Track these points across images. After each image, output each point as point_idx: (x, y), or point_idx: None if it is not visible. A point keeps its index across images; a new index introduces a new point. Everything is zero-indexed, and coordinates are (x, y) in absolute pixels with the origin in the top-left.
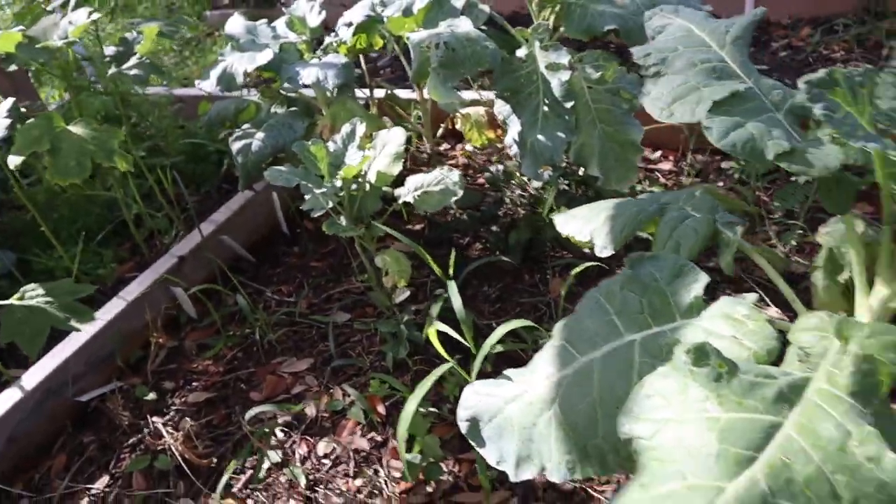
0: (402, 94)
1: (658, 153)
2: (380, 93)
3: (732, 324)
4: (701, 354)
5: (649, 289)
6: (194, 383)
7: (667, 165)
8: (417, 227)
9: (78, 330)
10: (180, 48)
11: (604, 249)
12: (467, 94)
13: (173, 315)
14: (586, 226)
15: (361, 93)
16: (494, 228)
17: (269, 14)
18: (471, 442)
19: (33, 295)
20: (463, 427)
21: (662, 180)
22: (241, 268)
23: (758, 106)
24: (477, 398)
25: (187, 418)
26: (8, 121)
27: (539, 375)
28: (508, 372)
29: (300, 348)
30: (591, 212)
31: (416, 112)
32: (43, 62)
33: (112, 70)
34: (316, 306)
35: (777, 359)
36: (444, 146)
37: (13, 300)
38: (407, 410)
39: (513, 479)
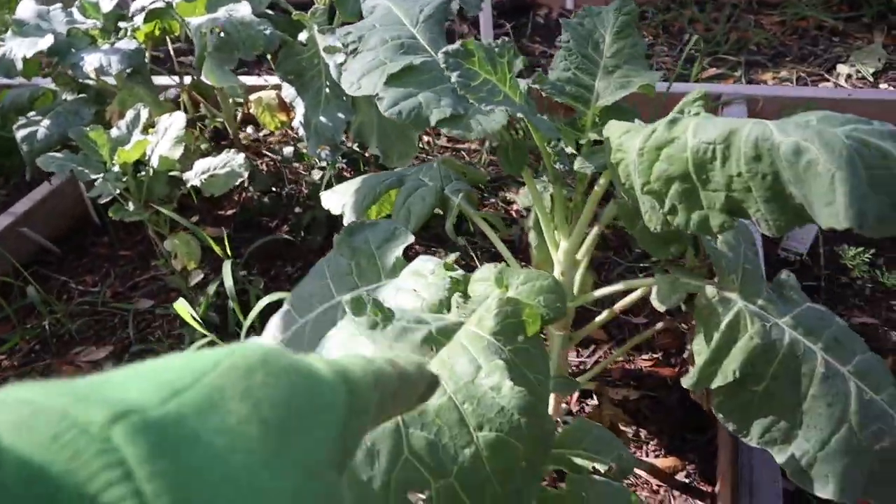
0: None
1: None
2: (188, 80)
3: (418, 279)
4: (359, 305)
5: (359, 252)
6: None
7: (475, 145)
8: (229, 212)
9: None
10: None
11: (348, 220)
12: (252, 80)
13: None
14: (341, 199)
15: (171, 79)
16: (297, 210)
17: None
18: None
19: None
20: None
21: (468, 159)
22: (45, 260)
23: (436, 77)
24: None
25: None
26: None
27: (267, 338)
28: (252, 338)
29: (101, 337)
30: (348, 187)
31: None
32: None
33: None
34: (121, 294)
35: (447, 309)
36: (256, 134)
37: None
38: None
39: None
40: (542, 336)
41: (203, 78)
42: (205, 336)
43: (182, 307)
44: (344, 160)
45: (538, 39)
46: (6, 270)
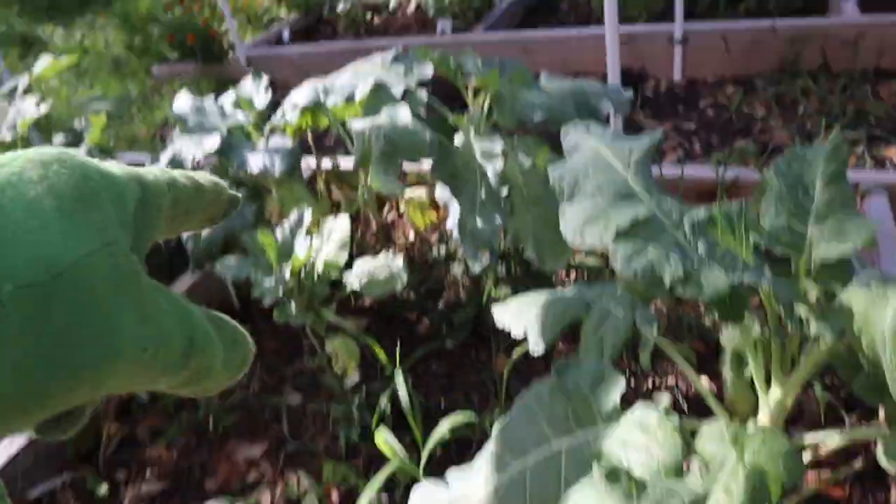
0: (347, 162)
1: None
2: (328, 164)
3: (646, 434)
4: (614, 475)
5: (573, 396)
6: (148, 472)
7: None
8: (367, 303)
9: None
10: (128, 104)
11: (535, 347)
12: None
13: (124, 399)
14: (519, 320)
15: (308, 164)
16: (440, 306)
17: (218, 70)
18: None
19: None
20: None
21: (598, 251)
22: None
23: (658, 228)
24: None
25: None
26: None
27: (478, 481)
28: (451, 475)
29: (254, 432)
30: (523, 305)
31: (361, 185)
32: None
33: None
34: (269, 387)
35: (682, 470)
36: (392, 216)
37: None
38: None
39: None
40: None
41: (368, 182)
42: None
43: (382, 438)
44: (503, 264)
45: (648, 112)
46: None
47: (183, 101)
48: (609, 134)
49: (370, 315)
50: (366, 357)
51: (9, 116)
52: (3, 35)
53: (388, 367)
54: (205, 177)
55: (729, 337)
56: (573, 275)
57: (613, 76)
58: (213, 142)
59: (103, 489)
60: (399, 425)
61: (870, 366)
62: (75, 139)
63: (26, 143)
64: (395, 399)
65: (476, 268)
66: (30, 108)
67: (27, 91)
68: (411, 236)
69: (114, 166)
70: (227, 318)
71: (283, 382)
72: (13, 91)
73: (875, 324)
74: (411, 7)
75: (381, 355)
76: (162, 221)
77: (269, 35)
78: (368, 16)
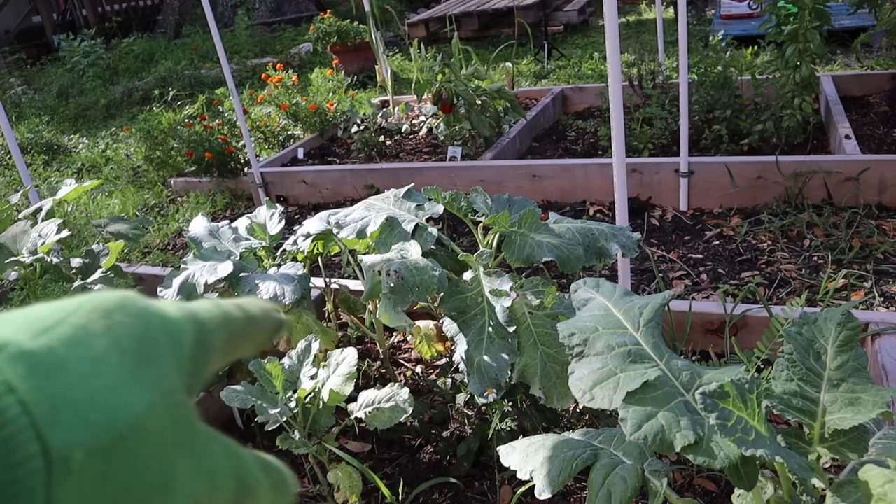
0: (356, 284)
1: None
2: (336, 287)
3: None
4: None
5: None
6: None
7: None
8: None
9: None
10: (143, 213)
11: (542, 493)
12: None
13: None
14: (526, 464)
15: (318, 284)
16: (445, 434)
17: (233, 184)
18: None
19: None
20: None
21: None
22: None
23: (668, 393)
24: None
25: None
26: None
27: None
28: None
29: None
30: (530, 447)
31: (369, 313)
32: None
33: (77, 283)
34: None
35: None
36: (396, 353)
37: None
38: None
39: None
40: None
41: (377, 315)
42: None
43: None
44: (509, 404)
45: (654, 242)
46: None
47: (198, 224)
48: (619, 292)
49: (373, 440)
50: (367, 485)
51: (31, 238)
52: (31, 142)
53: (392, 500)
54: (254, 304)
55: (739, 496)
56: (580, 407)
57: (621, 214)
58: (225, 268)
59: None
60: None
61: None
62: (93, 262)
63: (43, 266)
64: None
65: (482, 401)
66: (51, 233)
67: (50, 214)
68: (417, 368)
69: (171, 307)
70: (273, 461)
71: None
72: (37, 211)
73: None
74: (422, 132)
75: (385, 491)
76: (216, 357)
77: (284, 154)
78: (381, 138)
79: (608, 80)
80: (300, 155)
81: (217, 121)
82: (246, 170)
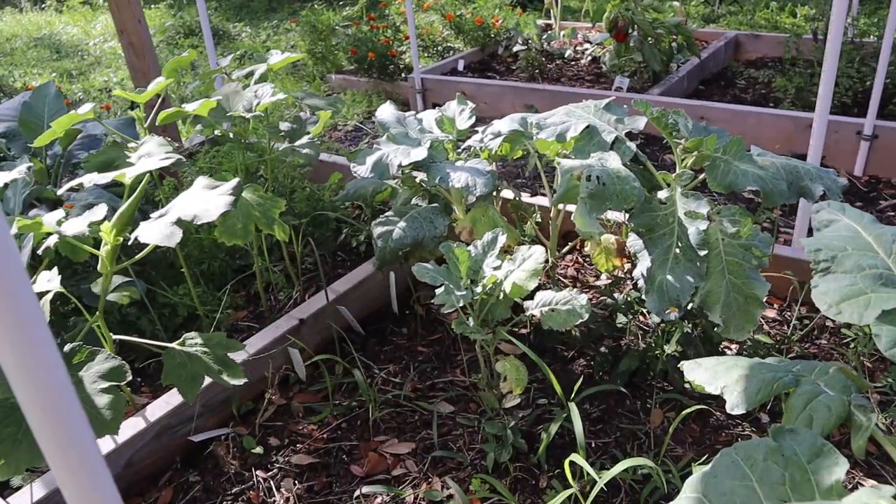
0: (527, 198)
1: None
2: (507, 192)
3: None
4: None
5: (791, 463)
6: (299, 445)
7: (771, 313)
8: (523, 330)
9: (229, 385)
10: (298, 108)
11: (735, 407)
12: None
13: (284, 375)
14: (716, 380)
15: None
16: (603, 349)
17: (390, 87)
18: None
19: (192, 343)
20: None
21: (766, 328)
22: (349, 339)
23: None
24: None
25: (290, 479)
26: (231, 198)
27: None
28: None
29: (403, 431)
30: (720, 366)
31: (534, 217)
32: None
33: (286, 145)
34: (420, 392)
35: None
36: (565, 263)
37: (175, 345)
38: None
39: None
40: None
41: (572, 219)
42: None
43: (567, 466)
44: (689, 325)
45: None
46: (323, 342)
47: (386, 111)
48: (867, 218)
49: (525, 342)
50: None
51: (245, 97)
52: (198, 25)
53: (545, 392)
54: None
55: None
56: (735, 348)
57: (814, 161)
58: (418, 153)
59: (257, 450)
60: (550, 455)
61: None
62: (300, 128)
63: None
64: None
65: (656, 319)
66: (266, 94)
67: (263, 79)
68: (593, 279)
69: None
70: None
71: (435, 389)
72: (249, 75)
73: None
74: (585, 60)
75: (557, 386)
76: None
77: (444, 63)
78: (543, 60)
79: (829, 19)
80: (460, 67)
81: (382, 23)
82: (405, 74)
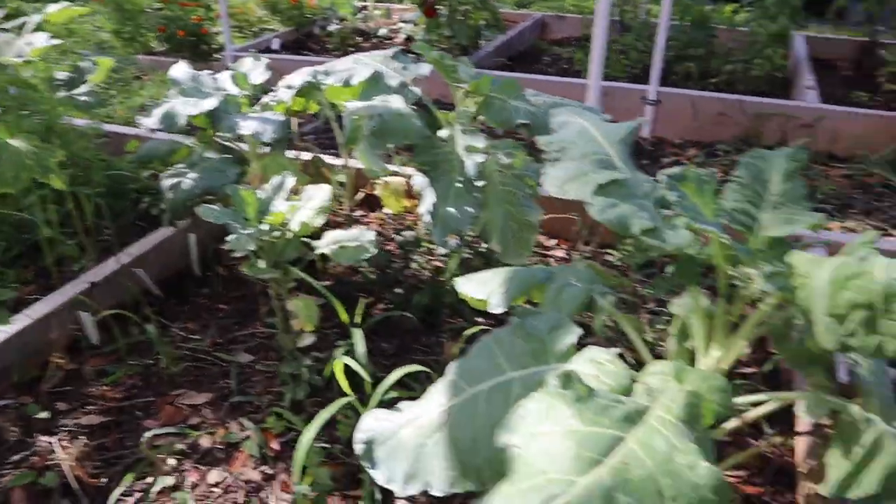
0: (327, 159)
1: (554, 241)
2: (306, 155)
3: (596, 366)
4: (568, 380)
5: (532, 336)
6: (89, 407)
7: (560, 253)
8: (327, 282)
9: None
10: (107, 86)
11: (497, 307)
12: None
13: (75, 339)
14: (483, 288)
15: (290, 153)
16: (398, 290)
17: (204, 68)
18: (363, 464)
19: None
20: (358, 449)
21: (554, 265)
22: (149, 302)
23: (631, 192)
24: (374, 423)
25: (80, 438)
26: None
27: (432, 404)
28: (403, 403)
29: (201, 383)
30: (488, 276)
31: (337, 178)
32: None
33: (62, 93)
34: (220, 346)
35: (629, 394)
36: (360, 213)
37: None
38: (304, 439)
39: (399, 494)
40: None
41: (350, 162)
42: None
43: (339, 364)
44: (469, 251)
45: None
46: (118, 306)
47: (180, 69)
48: (598, 118)
49: (329, 293)
50: (318, 327)
51: (15, 45)
52: None
53: (343, 334)
54: None
55: (679, 304)
56: None
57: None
58: (209, 103)
59: (43, 416)
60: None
61: (803, 318)
62: (79, 77)
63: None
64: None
65: (442, 250)
66: (40, 40)
67: (38, 29)
68: (382, 221)
69: None
70: None
71: (235, 343)
72: (22, 25)
73: (814, 278)
74: (400, 38)
75: (343, 314)
76: None
77: (258, 42)
78: (358, 39)
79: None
80: (275, 45)
81: (191, 1)
82: (218, 54)
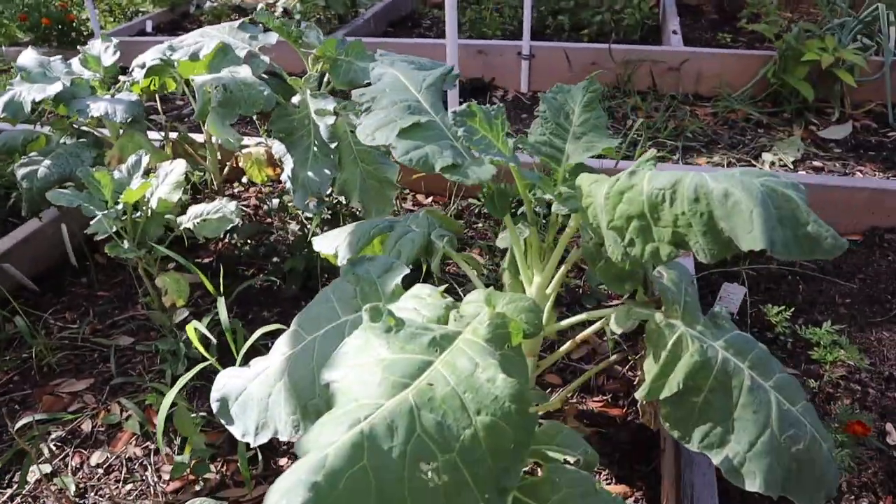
0: (198, 138)
1: (430, 198)
2: (175, 135)
3: (418, 301)
4: (376, 313)
5: (363, 280)
6: None
7: (436, 208)
8: (206, 259)
9: None
10: None
11: (343, 259)
12: (252, 140)
13: None
14: (334, 242)
15: (158, 134)
16: (275, 259)
17: (72, 55)
18: (221, 420)
19: None
20: (214, 407)
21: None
22: (23, 297)
23: (438, 134)
24: (226, 380)
25: None
26: None
27: (276, 354)
28: (254, 360)
29: (80, 370)
30: (340, 232)
31: (206, 158)
32: None
33: None
34: (100, 332)
35: (444, 324)
36: (229, 188)
37: None
38: (164, 403)
39: (252, 444)
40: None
41: (205, 129)
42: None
43: (192, 329)
44: (329, 212)
45: None
46: None
47: (28, 56)
48: (411, 66)
49: (208, 270)
50: (195, 303)
51: None
52: None
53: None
54: None
55: (502, 238)
56: None
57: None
58: (54, 88)
59: None
60: (224, 356)
61: (594, 235)
62: None
63: None
64: (220, 335)
65: (306, 214)
66: None
67: None
68: (247, 191)
69: None
70: None
71: (115, 327)
72: None
73: (596, 196)
74: (278, 11)
75: (208, 285)
76: None
77: (131, 24)
78: (234, 16)
79: None
80: (149, 28)
81: None
82: (89, 41)
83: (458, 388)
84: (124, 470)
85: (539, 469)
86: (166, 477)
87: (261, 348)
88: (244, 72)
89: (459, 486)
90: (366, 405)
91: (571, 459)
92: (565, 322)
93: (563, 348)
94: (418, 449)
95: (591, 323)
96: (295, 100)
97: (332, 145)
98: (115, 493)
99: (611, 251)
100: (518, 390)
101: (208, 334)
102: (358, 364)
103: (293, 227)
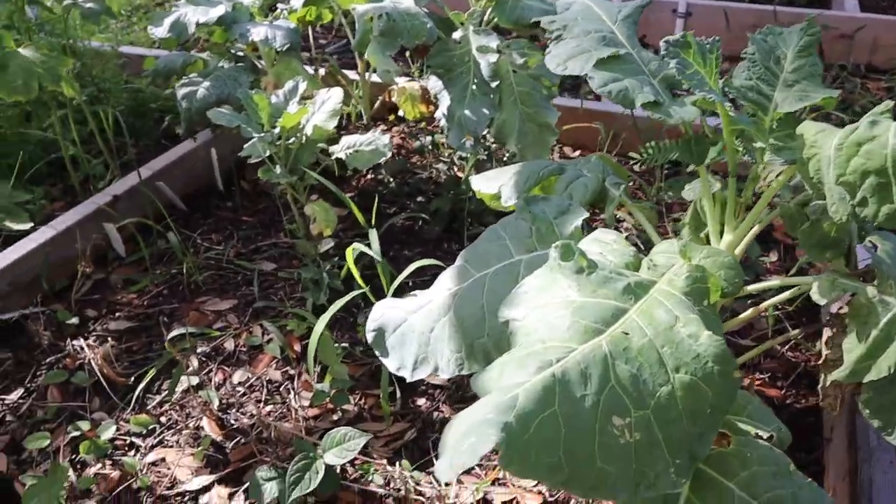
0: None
1: (577, 152)
2: (325, 68)
3: (602, 245)
4: (568, 251)
5: (538, 219)
6: (117, 313)
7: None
8: (349, 194)
9: (12, 231)
10: (129, 14)
11: (509, 199)
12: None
13: (102, 251)
14: (495, 182)
15: (309, 68)
16: (420, 199)
17: None
18: (375, 351)
19: None
20: (370, 337)
21: None
22: (173, 216)
23: (635, 68)
24: (384, 311)
25: (109, 341)
26: None
27: (440, 289)
28: (414, 292)
29: (225, 290)
30: (500, 172)
31: (357, 92)
32: None
33: (68, 0)
34: (244, 255)
35: (635, 271)
36: (380, 124)
37: None
38: (317, 328)
39: (409, 379)
40: None
41: (360, 61)
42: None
43: (350, 252)
44: (485, 153)
45: None
46: (147, 218)
47: None
48: None
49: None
50: (340, 234)
51: None
52: None
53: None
54: None
55: (690, 188)
56: None
57: None
58: (217, 11)
59: (73, 321)
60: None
61: (812, 190)
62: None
63: None
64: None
65: (459, 152)
66: None
67: None
68: (389, 130)
69: None
70: None
71: (258, 252)
72: None
73: (823, 147)
74: None
75: (359, 216)
76: None
77: None
78: None
79: None
80: None
81: None
82: None
83: (655, 341)
84: (265, 391)
85: (724, 441)
86: (305, 403)
87: (404, 286)
88: (406, 2)
89: (651, 446)
90: (555, 347)
91: (764, 434)
92: (752, 287)
93: (745, 315)
94: (611, 401)
95: (781, 290)
96: (456, 35)
97: (493, 84)
98: (255, 413)
99: (833, 209)
100: (723, 350)
101: (368, 251)
102: (542, 304)
103: (440, 166)
